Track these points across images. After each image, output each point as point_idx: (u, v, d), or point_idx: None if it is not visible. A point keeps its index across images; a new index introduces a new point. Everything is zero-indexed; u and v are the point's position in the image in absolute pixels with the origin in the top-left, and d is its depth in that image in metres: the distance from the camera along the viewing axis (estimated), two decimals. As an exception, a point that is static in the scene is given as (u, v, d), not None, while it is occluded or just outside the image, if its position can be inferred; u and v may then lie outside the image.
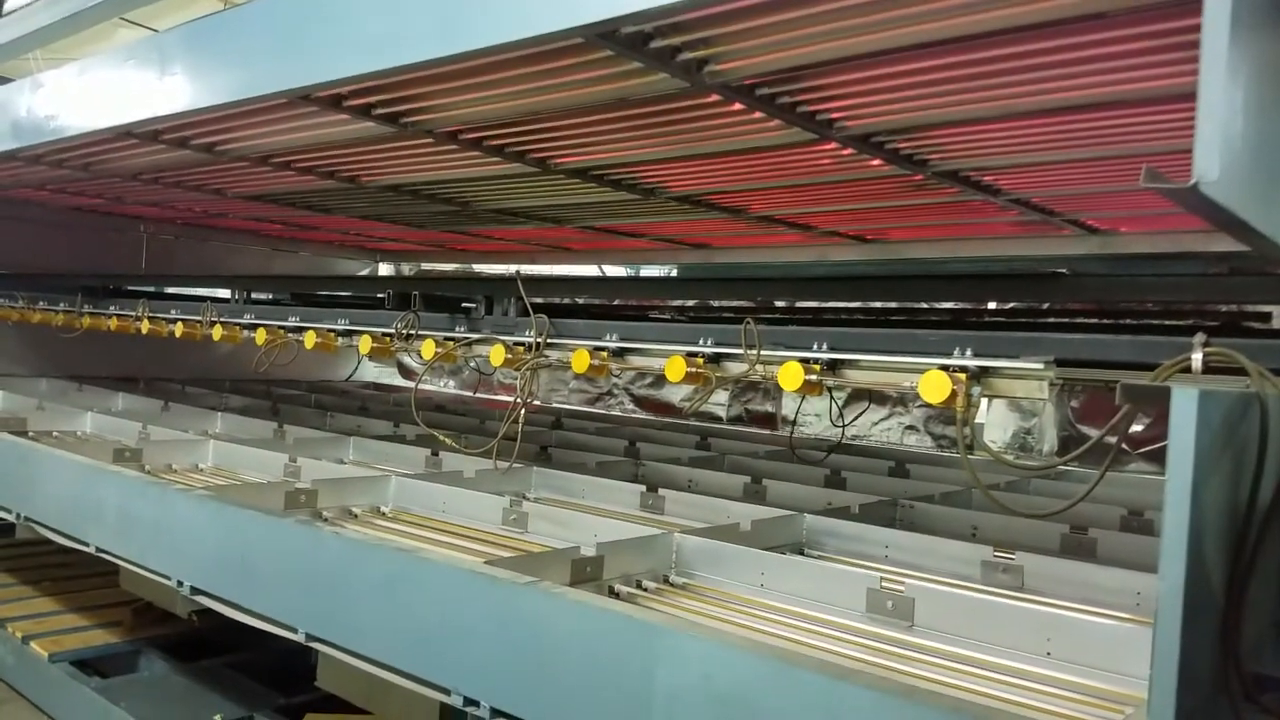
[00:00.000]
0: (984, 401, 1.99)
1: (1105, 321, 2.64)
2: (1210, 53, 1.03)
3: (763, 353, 2.27)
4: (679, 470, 3.41)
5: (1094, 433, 4.19)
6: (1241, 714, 1.25)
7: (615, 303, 3.99)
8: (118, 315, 4.40)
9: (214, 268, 5.80)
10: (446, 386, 6.60)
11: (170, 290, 5.02)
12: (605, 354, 2.61)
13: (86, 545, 2.88)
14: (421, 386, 6.01)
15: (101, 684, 3.32)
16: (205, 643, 3.61)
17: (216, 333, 3.78)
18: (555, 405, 5.83)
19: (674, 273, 5.46)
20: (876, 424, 4.74)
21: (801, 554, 2.50)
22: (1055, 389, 1.88)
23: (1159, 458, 1.01)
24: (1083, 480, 3.28)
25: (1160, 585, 1.03)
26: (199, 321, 3.92)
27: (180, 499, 2.58)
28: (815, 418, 4.81)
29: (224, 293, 4.38)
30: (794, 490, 3.10)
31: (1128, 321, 2.64)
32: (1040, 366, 1.85)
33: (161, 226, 5.62)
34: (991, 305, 2.98)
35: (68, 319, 4.61)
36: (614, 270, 5.68)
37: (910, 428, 4.68)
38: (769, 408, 5.10)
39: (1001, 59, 1.82)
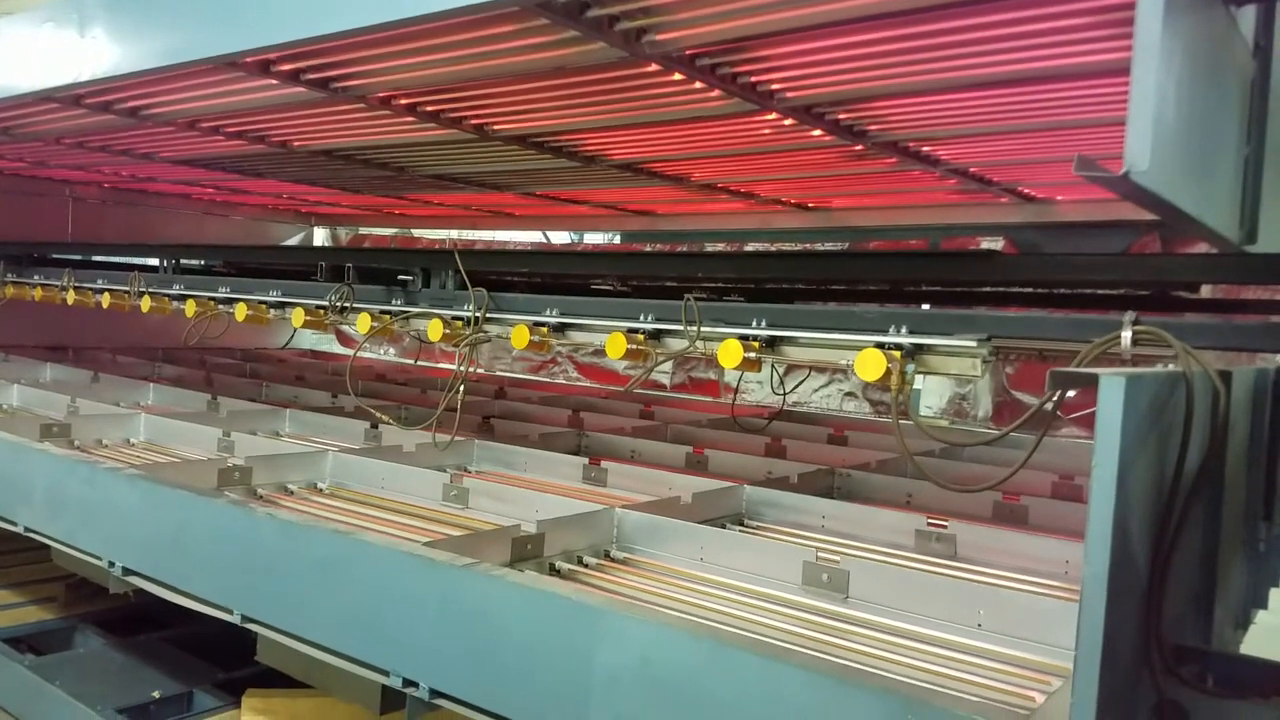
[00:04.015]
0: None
1: (1039, 291, 2.68)
2: (1143, 40, 1.03)
3: (703, 329, 2.27)
4: (622, 441, 3.40)
5: (1027, 398, 4.27)
6: (1163, 686, 1.28)
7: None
8: (42, 285, 4.25)
9: (144, 233, 5.62)
10: (387, 354, 6.51)
11: (98, 258, 4.86)
12: (545, 329, 2.58)
13: (14, 525, 2.80)
14: (361, 355, 5.93)
15: (35, 661, 3.24)
16: (143, 617, 3.53)
17: (145, 304, 3.67)
18: (499, 373, 5.78)
19: (618, 239, 5.42)
20: (817, 391, 4.79)
21: (742, 525, 2.52)
22: (989, 364, 1.90)
23: (1090, 422, 1.04)
24: (1016, 445, 3.34)
25: (1085, 570, 1.05)
26: (126, 292, 3.81)
27: (110, 477, 2.51)
28: (758, 385, 4.84)
29: (155, 261, 4.25)
30: (735, 460, 3.12)
31: (1062, 291, 2.69)
32: (974, 344, 1.88)
33: (88, 190, 5.44)
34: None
35: (-12, 289, 4.45)
36: (557, 236, 5.63)
37: (849, 394, 4.73)
38: (712, 375, 5.12)
39: (940, 33, 1.82)
